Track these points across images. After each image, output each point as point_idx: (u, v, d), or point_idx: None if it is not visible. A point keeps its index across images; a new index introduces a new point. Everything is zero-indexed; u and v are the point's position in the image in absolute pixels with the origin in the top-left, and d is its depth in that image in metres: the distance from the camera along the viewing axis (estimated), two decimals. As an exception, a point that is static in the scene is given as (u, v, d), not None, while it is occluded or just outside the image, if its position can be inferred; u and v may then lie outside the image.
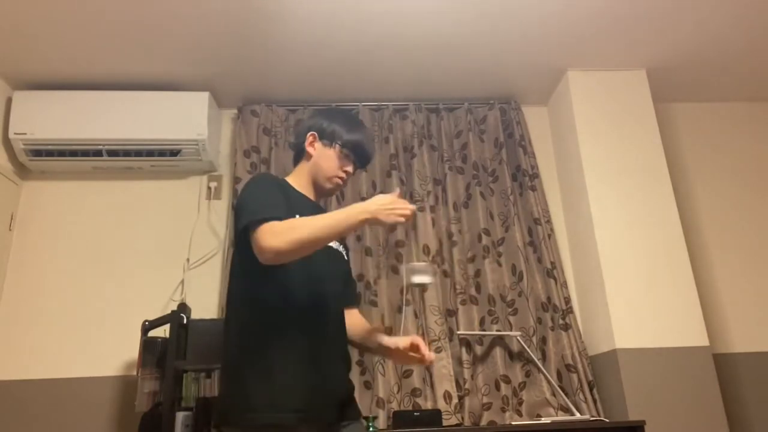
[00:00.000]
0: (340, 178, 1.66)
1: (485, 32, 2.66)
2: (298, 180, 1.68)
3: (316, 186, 1.68)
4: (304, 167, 1.69)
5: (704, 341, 2.53)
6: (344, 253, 1.69)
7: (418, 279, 1.51)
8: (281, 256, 1.37)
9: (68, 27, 2.50)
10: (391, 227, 1.45)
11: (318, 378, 1.45)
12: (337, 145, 1.65)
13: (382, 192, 2.90)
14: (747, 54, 2.90)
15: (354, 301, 1.77)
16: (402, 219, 1.40)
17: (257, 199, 1.48)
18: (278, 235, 1.36)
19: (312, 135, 1.68)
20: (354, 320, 1.69)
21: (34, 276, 2.77)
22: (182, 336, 2.35)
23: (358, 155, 1.67)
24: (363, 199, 2.89)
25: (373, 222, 1.41)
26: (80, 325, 2.70)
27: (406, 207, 1.41)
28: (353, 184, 2.91)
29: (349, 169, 1.66)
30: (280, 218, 1.41)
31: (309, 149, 1.67)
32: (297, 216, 1.49)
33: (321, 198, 1.73)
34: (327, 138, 1.66)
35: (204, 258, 2.83)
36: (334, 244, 1.63)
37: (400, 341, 1.55)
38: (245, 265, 1.48)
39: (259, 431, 1.38)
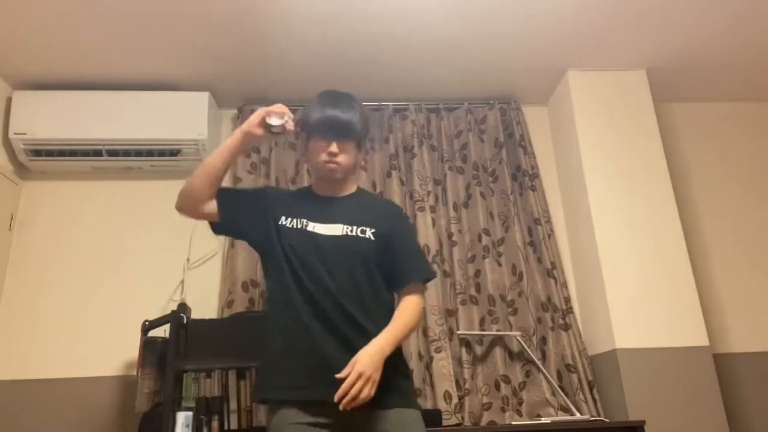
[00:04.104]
0: (327, 161, 1.66)
1: (485, 32, 2.66)
2: (313, 180, 1.80)
3: (322, 178, 1.74)
4: (311, 168, 1.81)
5: (704, 341, 2.53)
6: (367, 235, 1.65)
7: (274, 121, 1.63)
8: (181, 199, 1.73)
9: (68, 27, 2.50)
10: (275, 132, 1.62)
11: (305, 361, 1.54)
12: (312, 134, 1.69)
13: (382, 192, 2.91)
14: (747, 54, 2.90)
15: (400, 283, 1.69)
16: (264, 113, 1.60)
17: None
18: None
19: (302, 137, 1.77)
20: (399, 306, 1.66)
21: (34, 276, 2.77)
22: (182, 336, 2.35)
23: (327, 129, 1.64)
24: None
25: (249, 136, 1.64)
26: (80, 325, 2.70)
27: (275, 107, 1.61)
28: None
29: (332, 148, 1.64)
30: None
31: (304, 152, 1.76)
32: (282, 217, 1.68)
33: (338, 183, 1.73)
34: (306, 132, 1.72)
35: (204, 258, 2.83)
36: (341, 230, 1.65)
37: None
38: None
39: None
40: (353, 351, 1.51)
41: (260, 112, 1.63)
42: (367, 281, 1.63)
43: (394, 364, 1.57)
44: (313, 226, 1.66)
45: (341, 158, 1.66)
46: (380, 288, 1.66)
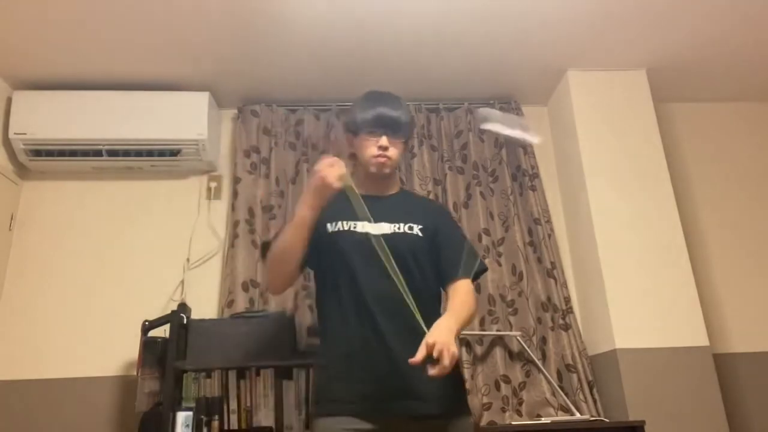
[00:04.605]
0: (378, 155, 1.68)
1: (485, 32, 2.66)
2: (359, 180, 1.75)
3: (371, 176, 1.73)
4: (358, 166, 1.77)
5: (704, 341, 2.53)
6: (415, 231, 1.67)
7: None
8: (273, 288, 1.64)
9: (68, 27, 2.49)
10: (331, 189, 1.55)
11: (358, 374, 1.53)
12: (360, 131, 1.70)
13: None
14: (747, 54, 2.89)
15: (447, 278, 1.69)
16: (322, 179, 1.53)
17: None
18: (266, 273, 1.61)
19: (347, 137, 1.77)
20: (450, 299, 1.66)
21: (34, 276, 2.76)
22: (182, 336, 2.35)
23: (378, 125, 1.68)
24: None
25: (317, 203, 1.57)
26: (80, 325, 2.70)
27: (321, 170, 1.54)
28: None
29: (383, 141, 1.67)
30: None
31: (351, 150, 1.78)
32: (327, 225, 1.66)
33: (384, 181, 1.75)
34: (352, 129, 1.73)
35: (204, 258, 2.83)
36: (389, 229, 1.65)
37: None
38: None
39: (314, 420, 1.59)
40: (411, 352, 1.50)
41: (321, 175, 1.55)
42: (420, 278, 1.64)
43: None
44: (363, 226, 1.66)
45: (391, 152, 1.69)
46: (432, 285, 1.69)
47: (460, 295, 1.63)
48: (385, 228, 1.66)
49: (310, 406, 1.62)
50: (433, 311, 1.63)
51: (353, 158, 1.74)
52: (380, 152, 1.67)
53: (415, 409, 1.51)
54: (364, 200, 1.65)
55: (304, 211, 1.58)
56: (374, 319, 1.56)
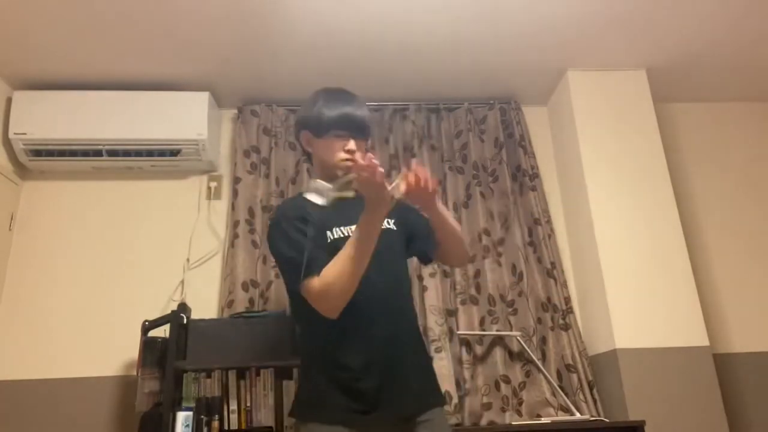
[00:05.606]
0: (347, 159, 1.58)
1: (485, 32, 2.66)
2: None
3: (333, 178, 1.57)
4: (316, 168, 1.68)
5: (704, 341, 2.53)
6: (391, 225, 1.64)
7: (314, 198, 1.39)
8: (337, 310, 1.43)
9: (68, 27, 2.49)
10: (386, 193, 1.40)
11: (365, 379, 1.48)
12: (324, 132, 1.60)
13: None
14: (747, 54, 2.89)
15: (429, 254, 1.72)
16: (365, 180, 1.35)
17: (284, 254, 1.52)
18: (324, 298, 1.41)
19: (304, 135, 1.66)
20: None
21: (34, 276, 2.76)
22: (182, 336, 2.35)
23: (348, 128, 1.60)
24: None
25: (383, 209, 1.41)
26: (80, 325, 2.69)
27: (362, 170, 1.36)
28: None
29: (351, 145, 1.59)
30: (311, 264, 1.43)
31: (308, 149, 1.66)
32: (328, 233, 1.52)
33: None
34: (314, 129, 1.63)
35: (204, 258, 2.83)
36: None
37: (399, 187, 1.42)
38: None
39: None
40: (406, 354, 1.53)
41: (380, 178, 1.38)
42: (404, 273, 1.65)
43: (429, 362, 1.62)
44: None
45: (359, 156, 1.58)
46: (407, 275, 1.69)
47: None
48: None
49: (302, 411, 1.53)
50: (412, 300, 1.68)
51: (313, 157, 1.65)
52: (348, 156, 1.59)
53: (406, 408, 1.49)
54: (342, 203, 1.50)
55: (380, 224, 1.45)
56: (382, 323, 1.51)
